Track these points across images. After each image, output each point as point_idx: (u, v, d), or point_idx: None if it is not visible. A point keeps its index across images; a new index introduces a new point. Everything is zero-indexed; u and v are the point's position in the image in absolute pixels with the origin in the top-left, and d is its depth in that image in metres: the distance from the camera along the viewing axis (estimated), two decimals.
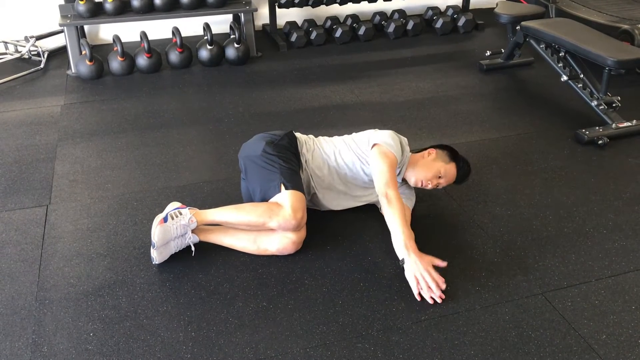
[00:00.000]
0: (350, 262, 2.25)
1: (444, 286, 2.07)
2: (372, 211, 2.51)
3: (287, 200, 2.16)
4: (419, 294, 2.06)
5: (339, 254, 2.30)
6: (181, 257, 2.24)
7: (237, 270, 2.20)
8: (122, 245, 2.33)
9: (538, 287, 2.14)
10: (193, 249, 2.22)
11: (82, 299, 2.06)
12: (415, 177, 2.40)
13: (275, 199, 2.20)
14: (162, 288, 2.12)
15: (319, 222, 2.43)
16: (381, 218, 2.44)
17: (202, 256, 2.25)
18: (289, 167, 2.28)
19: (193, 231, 2.21)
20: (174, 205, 2.28)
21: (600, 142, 3.08)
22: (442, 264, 2.10)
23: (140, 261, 2.24)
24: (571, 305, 2.05)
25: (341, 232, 2.41)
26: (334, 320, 1.98)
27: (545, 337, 1.92)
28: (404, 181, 2.48)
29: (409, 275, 2.08)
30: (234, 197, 2.57)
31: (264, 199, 2.24)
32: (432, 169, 2.38)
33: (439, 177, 2.38)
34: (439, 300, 2.04)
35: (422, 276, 2.05)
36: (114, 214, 2.53)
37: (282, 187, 2.19)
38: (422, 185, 2.40)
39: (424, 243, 2.33)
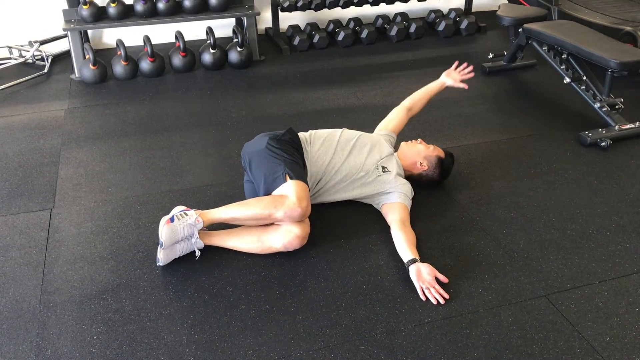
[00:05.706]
0: (353, 264, 2.25)
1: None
2: (374, 215, 2.51)
3: (291, 190, 2.19)
4: (423, 293, 2.07)
5: (342, 256, 2.30)
6: (184, 260, 2.24)
7: (240, 273, 2.21)
8: (126, 249, 2.34)
9: (541, 289, 2.13)
10: (198, 253, 2.23)
11: (86, 302, 2.07)
12: (407, 156, 2.63)
13: (279, 189, 2.22)
14: (166, 291, 2.12)
15: (322, 225, 2.43)
16: (383, 221, 2.44)
17: (205, 259, 2.25)
18: (292, 160, 2.33)
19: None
20: (179, 208, 2.29)
21: (603, 144, 3.08)
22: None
23: (144, 264, 2.25)
24: (574, 308, 2.05)
25: (344, 235, 2.42)
26: (337, 323, 1.98)
27: (548, 339, 1.92)
28: (402, 175, 2.57)
29: (413, 275, 2.12)
30: (237, 200, 2.55)
31: (268, 191, 2.26)
32: (415, 145, 2.65)
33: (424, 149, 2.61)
34: (442, 301, 2.05)
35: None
36: (117, 217, 2.54)
37: (287, 177, 2.22)
38: (417, 161, 2.60)
39: (426, 245, 2.33)
